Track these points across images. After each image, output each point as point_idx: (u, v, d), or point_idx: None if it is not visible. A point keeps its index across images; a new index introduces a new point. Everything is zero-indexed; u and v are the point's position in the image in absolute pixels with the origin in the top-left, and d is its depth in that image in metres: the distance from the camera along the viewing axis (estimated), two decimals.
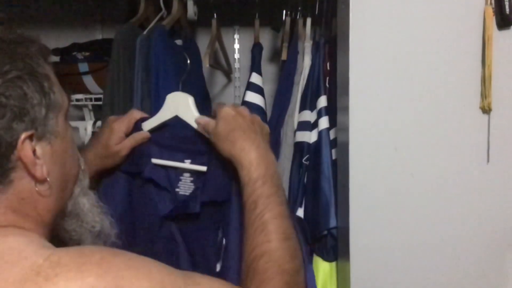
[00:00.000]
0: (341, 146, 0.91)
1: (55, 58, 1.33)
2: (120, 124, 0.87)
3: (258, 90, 1.14)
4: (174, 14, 1.20)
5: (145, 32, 1.12)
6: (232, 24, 1.48)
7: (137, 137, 0.88)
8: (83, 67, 1.30)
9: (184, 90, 1.23)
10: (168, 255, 0.86)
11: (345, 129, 0.85)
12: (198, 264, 0.87)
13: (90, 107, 1.37)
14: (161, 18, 1.20)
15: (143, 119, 0.89)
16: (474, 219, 0.85)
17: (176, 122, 0.90)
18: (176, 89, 1.14)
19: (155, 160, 0.88)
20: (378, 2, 0.81)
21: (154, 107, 1.10)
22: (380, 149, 0.84)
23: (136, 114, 0.90)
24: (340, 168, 0.91)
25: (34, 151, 0.56)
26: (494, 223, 0.85)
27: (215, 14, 1.24)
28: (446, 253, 0.86)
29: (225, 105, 0.81)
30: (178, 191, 0.91)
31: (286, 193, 1.05)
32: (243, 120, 0.78)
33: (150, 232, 0.89)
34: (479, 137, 0.83)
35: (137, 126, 0.89)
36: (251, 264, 0.70)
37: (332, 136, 1.00)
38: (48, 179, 0.58)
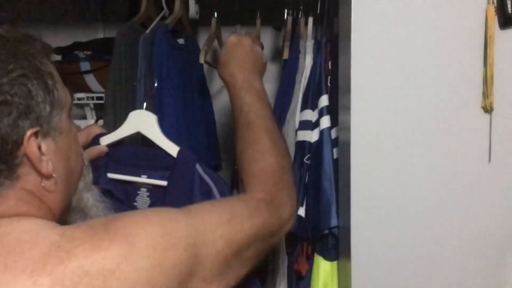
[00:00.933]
0: (342, 145, 0.91)
1: (57, 57, 1.33)
2: (79, 137, 0.89)
3: None
4: (176, 13, 1.20)
5: (148, 31, 1.12)
6: (233, 23, 1.48)
7: (94, 151, 0.90)
8: (85, 66, 1.31)
9: (188, 89, 1.24)
10: None
11: (347, 129, 0.85)
12: None
13: (92, 106, 1.38)
14: (163, 17, 1.20)
15: (102, 135, 0.92)
16: (475, 219, 0.85)
17: (136, 139, 0.95)
18: (178, 88, 1.14)
19: (110, 175, 0.91)
20: (380, 2, 0.81)
21: (157, 106, 1.10)
22: (381, 149, 0.84)
23: (95, 129, 0.93)
24: (342, 167, 0.91)
25: (39, 148, 0.58)
26: (495, 222, 0.85)
27: (215, 13, 1.24)
28: (447, 253, 0.86)
29: (234, 33, 0.93)
30: (136, 205, 0.93)
31: None
32: (241, 49, 0.90)
33: None
34: (481, 136, 0.83)
35: (95, 141, 0.91)
36: (240, 155, 0.82)
37: (333, 135, 1.00)
38: (53, 174, 0.60)
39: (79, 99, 1.33)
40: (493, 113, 0.82)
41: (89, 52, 1.32)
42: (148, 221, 0.58)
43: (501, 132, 0.82)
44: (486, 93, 0.81)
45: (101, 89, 1.31)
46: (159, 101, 1.10)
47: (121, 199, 0.91)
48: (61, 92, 0.62)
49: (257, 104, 0.85)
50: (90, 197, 0.73)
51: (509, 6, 0.79)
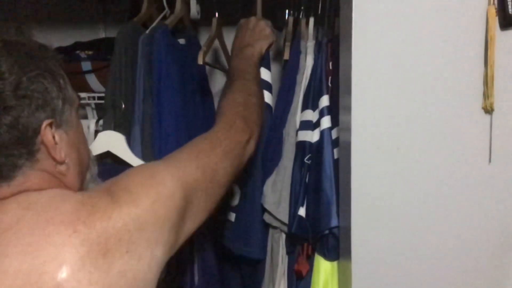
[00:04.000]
0: (343, 145, 0.91)
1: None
2: None
3: (266, 86, 1.12)
4: (177, 13, 1.21)
5: (147, 31, 1.13)
6: (234, 23, 1.48)
7: None
8: (86, 65, 1.31)
9: (188, 89, 1.24)
10: None
11: (347, 129, 0.85)
12: None
13: (93, 105, 1.38)
14: (164, 17, 1.21)
15: None
16: (475, 219, 0.85)
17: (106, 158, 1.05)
18: (177, 88, 1.15)
19: None
20: (381, 2, 0.81)
21: (156, 105, 1.10)
22: (382, 149, 0.84)
23: None
24: (342, 168, 0.91)
25: (53, 137, 0.68)
26: (496, 223, 0.85)
27: (216, 13, 1.24)
28: (447, 253, 0.86)
29: (247, 18, 1.16)
30: None
31: (288, 192, 1.05)
32: (245, 27, 1.14)
33: None
34: (481, 137, 0.83)
35: None
36: (218, 109, 0.97)
37: (334, 136, 1.00)
38: (66, 161, 0.70)
39: (80, 99, 1.33)
40: (494, 113, 0.82)
41: (90, 52, 1.32)
42: (138, 171, 0.74)
43: (502, 133, 0.83)
44: (487, 94, 0.81)
45: (102, 89, 1.31)
46: (158, 101, 1.10)
47: None
48: (71, 91, 0.72)
49: (241, 66, 1.05)
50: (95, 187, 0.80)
51: (509, 6, 0.79)
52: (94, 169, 0.81)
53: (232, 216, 1.14)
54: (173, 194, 0.72)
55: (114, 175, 1.01)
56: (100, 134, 1.05)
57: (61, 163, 0.69)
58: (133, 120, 1.10)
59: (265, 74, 1.13)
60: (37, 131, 0.65)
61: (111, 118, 1.13)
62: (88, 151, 0.80)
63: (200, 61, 1.12)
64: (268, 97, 1.11)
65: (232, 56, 1.12)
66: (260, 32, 1.12)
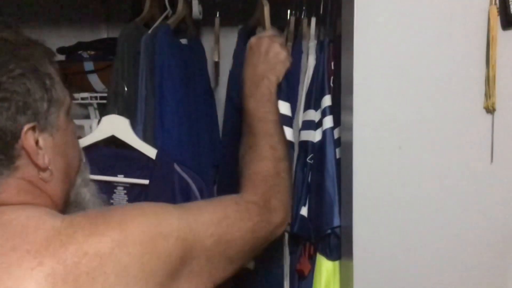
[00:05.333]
0: (345, 145, 0.91)
1: (61, 57, 1.34)
2: None
3: (287, 121, 1.00)
4: (179, 13, 1.21)
5: (149, 31, 1.13)
6: (236, 24, 1.48)
7: None
8: (89, 65, 1.31)
9: (190, 89, 1.25)
10: None
11: (349, 129, 0.85)
12: None
13: (95, 105, 1.38)
14: (166, 17, 1.21)
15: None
16: (477, 219, 0.85)
17: (111, 142, 1.03)
18: (179, 87, 1.15)
19: None
20: (382, 2, 0.81)
21: (158, 105, 1.11)
22: (384, 149, 0.84)
23: None
24: (344, 167, 0.91)
25: (37, 142, 0.62)
26: (497, 222, 0.85)
27: (218, 13, 1.25)
28: (449, 253, 0.86)
29: (260, 34, 0.98)
30: (112, 203, 1.02)
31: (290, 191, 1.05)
32: (257, 52, 0.95)
33: None
34: (483, 137, 0.83)
35: None
36: (241, 158, 0.88)
37: (336, 135, 1.00)
38: (49, 167, 0.64)
39: (82, 98, 1.33)
40: (495, 113, 0.82)
41: (92, 52, 1.33)
42: (143, 211, 0.64)
43: (503, 133, 0.83)
44: (488, 94, 0.81)
45: (104, 88, 1.32)
46: (160, 101, 1.11)
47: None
48: (59, 92, 0.66)
49: (260, 108, 0.90)
50: (87, 192, 0.76)
51: (511, 7, 0.79)
52: (86, 173, 0.76)
53: None
54: (171, 253, 0.62)
55: (118, 160, 1.02)
56: (103, 119, 1.03)
57: (44, 169, 0.64)
58: (135, 120, 1.11)
59: (284, 108, 1.00)
60: (17, 136, 0.60)
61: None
62: (79, 154, 0.74)
63: (215, 58, 1.15)
64: (289, 133, 1.00)
65: (246, 91, 0.93)
66: (275, 57, 0.95)
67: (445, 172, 0.84)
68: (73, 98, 0.73)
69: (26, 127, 0.60)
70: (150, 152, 1.02)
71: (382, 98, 0.83)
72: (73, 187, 0.73)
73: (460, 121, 0.83)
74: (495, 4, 0.80)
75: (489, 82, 0.81)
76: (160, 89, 1.11)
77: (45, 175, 0.64)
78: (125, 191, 1.02)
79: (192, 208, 0.71)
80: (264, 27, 1.04)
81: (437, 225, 0.86)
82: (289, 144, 0.99)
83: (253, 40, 0.97)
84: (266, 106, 0.91)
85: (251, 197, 0.79)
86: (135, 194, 1.02)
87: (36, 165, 0.62)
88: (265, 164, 0.85)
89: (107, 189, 1.02)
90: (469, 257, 0.86)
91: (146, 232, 0.61)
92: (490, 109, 0.82)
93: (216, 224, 0.70)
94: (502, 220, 0.85)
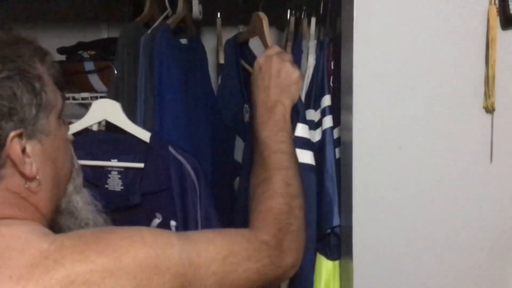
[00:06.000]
0: (344, 145, 0.91)
1: (61, 57, 1.34)
2: None
3: (306, 144, 0.95)
4: (179, 13, 1.21)
5: (149, 31, 1.13)
6: (236, 24, 1.48)
7: None
8: (89, 66, 1.31)
9: (190, 89, 1.25)
10: None
11: (349, 128, 0.85)
12: None
13: None
14: (166, 17, 1.21)
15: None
16: (477, 219, 0.85)
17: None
18: (179, 87, 1.15)
19: (80, 162, 0.95)
20: (382, 2, 0.81)
21: (157, 106, 1.11)
22: (383, 148, 0.84)
23: None
24: (344, 167, 0.91)
25: (23, 150, 0.58)
26: (497, 223, 0.85)
27: (218, 13, 1.25)
28: (449, 253, 0.86)
29: (266, 51, 0.89)
30: (107, 187, 1.01)
31: None
32: (268, 76, 0.85)
33: None
34: (482, 136, 0.83)
35: None
36: (252, 190, 0.81)
37: (336, 135, 1.00)
38: (37, 177, 0.60)
39: (83, 98, 1.34)
40: (495, 113, 0.82)
41: (93, 52, 1.33)
42: (142, 240, 0.58)
43: (503, 132, 0.83)
44: (488, 94, 0.81)
45: (105, 88, 1.32)
46: (160, 100, 1.11)
47: (94, 183, 0.97)
48: (50, 95, 0.61)
49: (274, 138, 0.83)
50: (80, 199, 0.72)
51: (511, 6, 0.79)
52: (79, 180, 0.72)
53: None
54: (164, 284, 0.58)
55: (111, 144, 1.01)
56: (95, 103, 1.00)
57: (32, 179, 0.59)
58: (135, 120, 1.11)
59: (303, 131, 0.94)
60: (1, 144, 0.56)
61: None
62: (71, 160, 0.70)
63: (221, 60, 1.15)
64: (309, 156, 0.95)
65: (258, 119, 0.85)
66: (288, 78, 0.86)
67: (444, 172, 0.84)
68: (66, 99, 0.68)
69: (12, 135, 0.56)
70: (144, 135, 0.99)
71: (382, 97, 0.83)
72: (64, 195, 0.69)
73: (460, 121, 0.83)
74: (495, 4, 0.80)
75: (488, 82, 0.81)
76: (160, 89, 1.11)
77: (32, 185, 0.59)
78: (119, 176, 1.01)
79: (198, 239, 0.65)
80: (264, 44, 0.98)
81: (436, 224, 0.86)
82: (310, 168, 0.93)
83: (261, 59, 0.87)
84: (280, 136, 0.83)
85: (263, 236, 0.72)
86: (130, 178, 1.00)
87: (22, 175, 0.58)
88: (278, 201, 0.77)
89: (101, 175, 1.01)
90: (468, 257, 0.86)
91: (143, 264, 0.56)
92: (489, 109, 0.82)
93: (220, 261, 0.63)
94: (502, 219, 0.85)
